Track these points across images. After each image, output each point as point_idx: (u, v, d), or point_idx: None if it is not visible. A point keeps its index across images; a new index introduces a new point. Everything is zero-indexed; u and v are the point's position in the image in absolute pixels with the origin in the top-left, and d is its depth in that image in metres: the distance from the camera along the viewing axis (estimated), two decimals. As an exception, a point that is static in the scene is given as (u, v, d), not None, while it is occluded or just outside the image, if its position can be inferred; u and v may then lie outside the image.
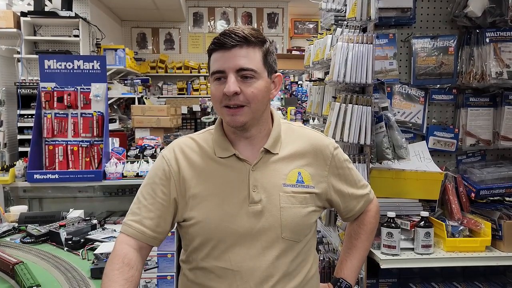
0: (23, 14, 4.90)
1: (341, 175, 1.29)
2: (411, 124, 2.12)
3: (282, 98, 5.73)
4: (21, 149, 4.70)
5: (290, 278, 1.19)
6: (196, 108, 7.14)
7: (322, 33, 2.54)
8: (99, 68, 3.18)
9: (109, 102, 4.47)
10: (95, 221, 2.22)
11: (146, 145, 3.44)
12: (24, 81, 4.79)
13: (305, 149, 1.25)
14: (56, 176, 2.98)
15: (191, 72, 7.72)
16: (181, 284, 1.30)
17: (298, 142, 1.26)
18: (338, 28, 2.18)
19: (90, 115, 3.16)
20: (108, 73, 4.53)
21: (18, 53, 4.89)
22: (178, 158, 1.22)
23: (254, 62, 1.14)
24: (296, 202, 1.19)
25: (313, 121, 3.51)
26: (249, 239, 1.16)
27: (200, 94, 7.68)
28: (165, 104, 6.59)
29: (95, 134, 3.16)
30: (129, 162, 3.12)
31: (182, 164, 1.22)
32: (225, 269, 1.16)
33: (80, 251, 1.90)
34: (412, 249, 1.88)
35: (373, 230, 1.41)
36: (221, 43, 1.13)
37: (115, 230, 2.16)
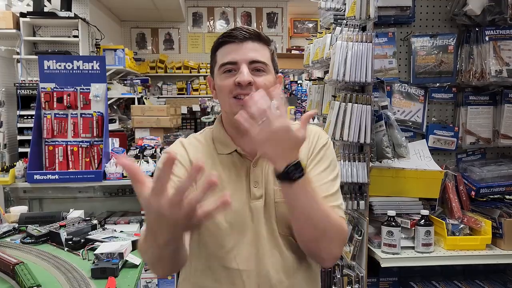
0: (23, 14, 4.89)
1: (319, 161, 1.19)
2: (411, 123, 2.12)
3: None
4: (21, 149, 4.70)
5: (292, 274, 1.18)
6: (196, 108, 7.14)
7: (322, 32, 2.54)
8: (98, 68, 3.17)
9: (108, 102, 4.46)
10: (95, 221, 2.22)
11: (146, 145, 3.43)
12: (23, 81, 4.79)
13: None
14: (56, 176, 2.98)
15: (190, 72, 7.71)
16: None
17: None
18: (337, 27, 2.18)
19: (90, 116, 3.16)
20: (107, 74, 4.52)
21: (18, 53, 4.88)
22: (188, 151, 1.21)
23: (265, 57, 1.16)
24: None
25: (313, 120, 3.50)
26: (252, 235, 1.15)
27: (199, 94, 7.67)
28: (164, 104, 6.59)
29: (95, 134, 3.16)
30: (129, 162, 3.12)
31: (193, 157, 1.19)
32: (229, 268, 1.15)
33: (81, 251, 1.90)
34: (413, 247, 1.88)
35: (335, 227, 1.09)
36: (233, 36, 1.14)
37: (115, 230, 2.16)
